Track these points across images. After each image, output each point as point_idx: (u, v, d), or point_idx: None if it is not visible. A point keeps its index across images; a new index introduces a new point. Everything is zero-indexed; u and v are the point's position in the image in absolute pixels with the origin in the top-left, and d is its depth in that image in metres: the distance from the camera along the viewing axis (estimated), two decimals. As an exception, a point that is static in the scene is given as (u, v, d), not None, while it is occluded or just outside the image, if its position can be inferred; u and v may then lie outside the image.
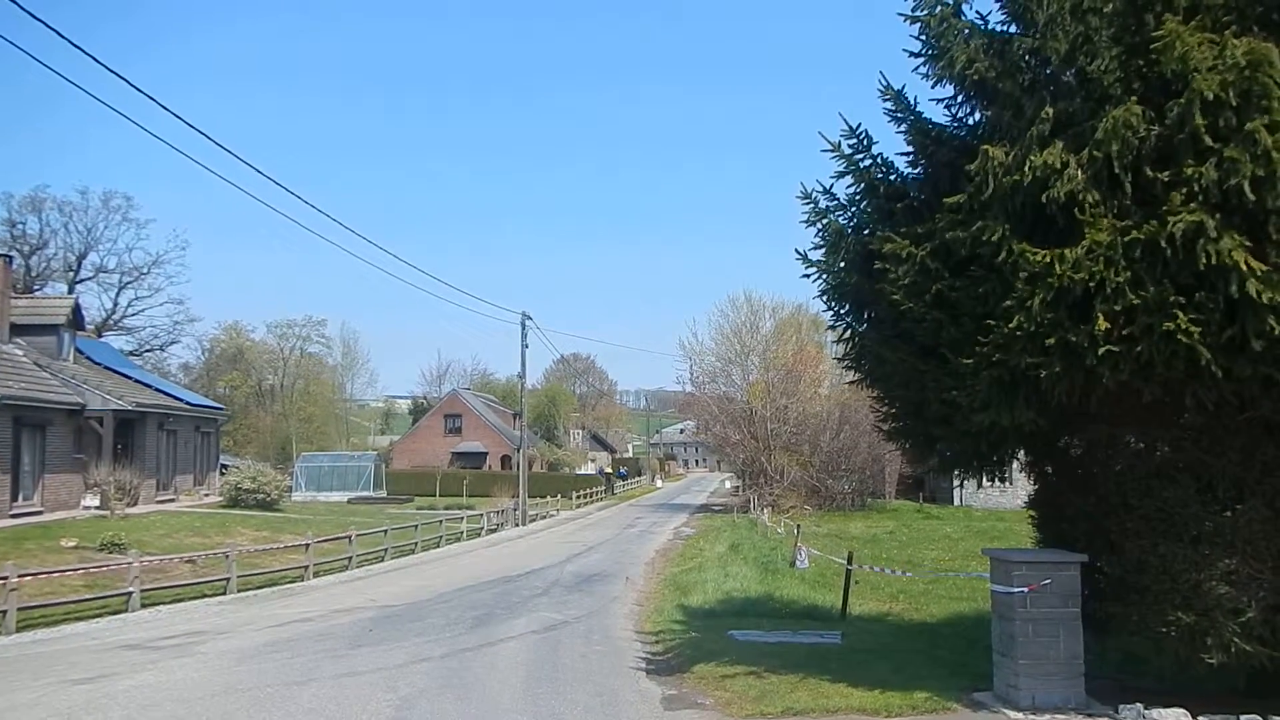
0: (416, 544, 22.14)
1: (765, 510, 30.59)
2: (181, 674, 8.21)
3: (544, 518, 34.21)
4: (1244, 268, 4.81)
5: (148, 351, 47.69)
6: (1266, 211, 4.87)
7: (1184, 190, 5.08)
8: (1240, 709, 5.61)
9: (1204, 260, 4.89)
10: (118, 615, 12.14)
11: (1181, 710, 5.62)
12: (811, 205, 7.22)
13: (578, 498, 42.12)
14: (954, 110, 6.88)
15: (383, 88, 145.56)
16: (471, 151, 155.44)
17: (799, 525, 21.70)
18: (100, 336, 39.91)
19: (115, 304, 46.51)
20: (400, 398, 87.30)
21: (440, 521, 25.55)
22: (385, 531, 21.11)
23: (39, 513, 19.84)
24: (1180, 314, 4.99)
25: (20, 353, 22.19)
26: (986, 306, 5.76)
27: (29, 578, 11.89)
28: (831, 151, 7.07)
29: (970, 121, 6.86)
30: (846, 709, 6.39)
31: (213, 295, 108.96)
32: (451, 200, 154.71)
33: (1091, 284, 5.24)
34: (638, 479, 67.97)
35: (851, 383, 9.42)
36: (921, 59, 6.52)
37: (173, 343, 50.05)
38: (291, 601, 13.81)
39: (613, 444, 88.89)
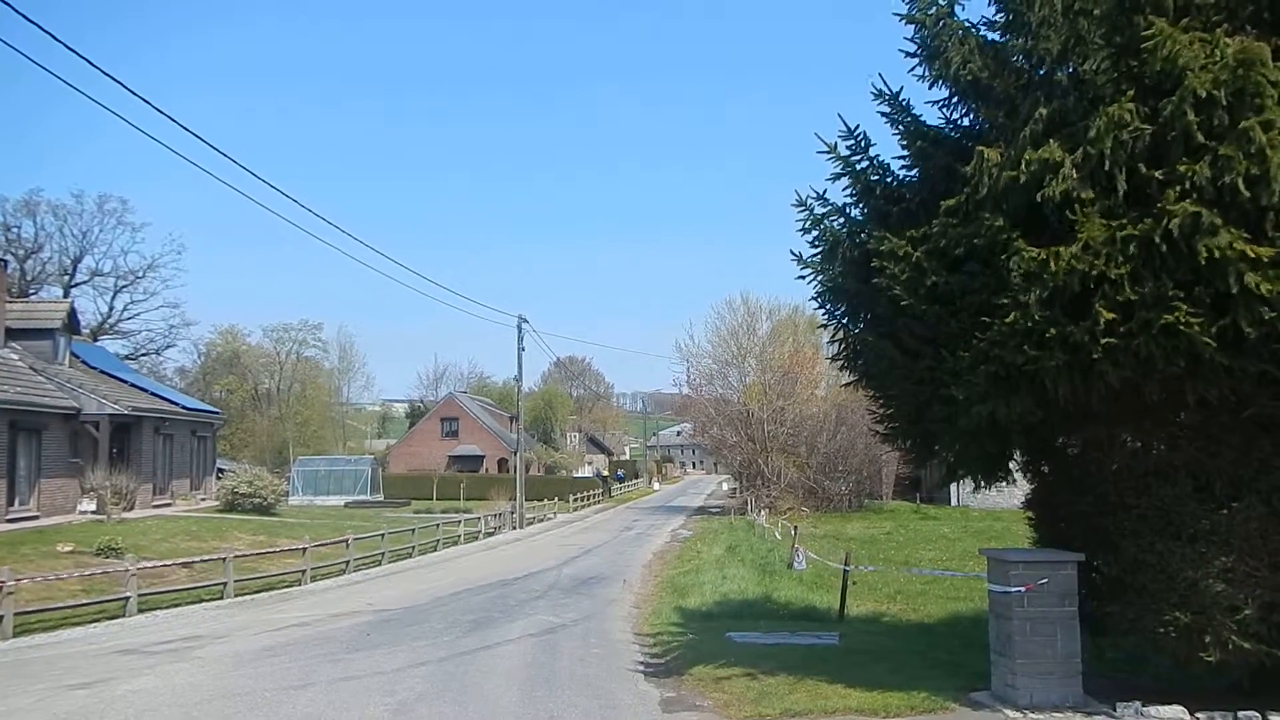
0: (414, 548, 22.09)
1: (762, 512, 30.59)
2: (179, 678, 8.18)
3: (541, 521, 34.16)
4: (1246, 259, 4.82)
5: (143, 355, 47.64)
6: (1261, 208, 4.89)
7: (1178, 187, 5.10)
8: (1238, 706, 5.63)
9: (1204, 255, 4.91)
10: (115, 620, 12.09)
11: (1179, 708, 5.64)
12: (807, 212, 7.23)
13: (575, 500, 42.07)
14: (948, 112, 6.91)
15: (381, 88, 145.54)
16: (470, 151, 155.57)
17: (796, 527, 21.71)
18: (96, 341, 39.83)
19: (111, 308, 46.46)
20: (397, 401, 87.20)
21: (437, 525, 25.49)
22: (382, 535, 21.06)
23: (35, 517, 19.75)
24: (1181, 306, 5.01)
25: (15, 357, 22.11)
26: (982, 300, 5.78)
27: (25, 582, 11.85)
28: (828, 153, 7.08)
29: (965, 123, 6.89)
30: (844, 710, 6.39)
31: (209, 299, 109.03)
32: (449, 201, 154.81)
33: (1090, 281, 5.26)
34: (635, 481, 67.93)
35: (848, 384, 9.43)
36: (917, 60, 6.55)
37: (168, 347, 50.06)
38: (289, 606, 13.77)
39: (610, 446, 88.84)
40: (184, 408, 29.06)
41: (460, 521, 27.18)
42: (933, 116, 7.00)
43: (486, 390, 75.60)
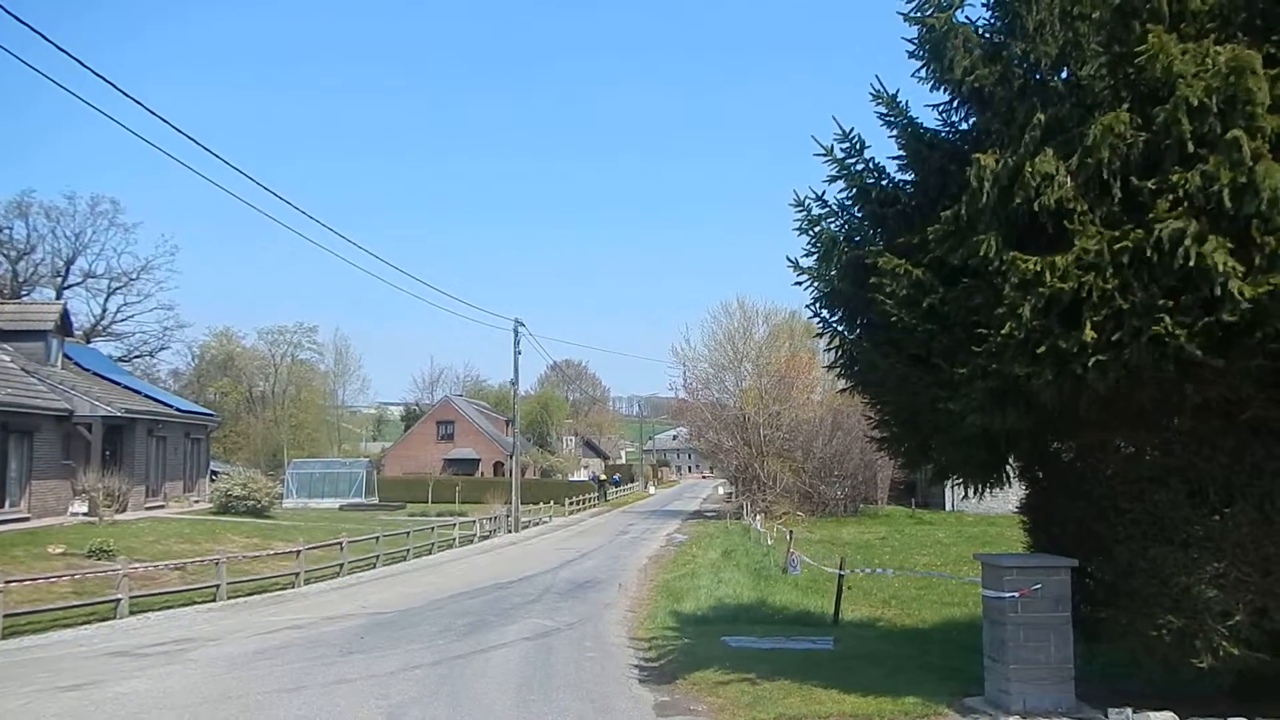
0: (409, 551, 22.02)
1: (758, 516, 30.58)
2: (171, 681, 8.13)
3: (537, 524, 34.09)
4: (1229, 267, 4.85)
5: (137, 357, 47.42)
6: (1248, 217, 4.93)
7: (1170, 197, 5.13)
8: (1229, 712, 5.64)
9: (1185, 260, 4.93)
10: (106, 622, 12.02)
11: (1170, 714, 5.64)
12: (804, 213, 7.24)
13: (571, 504, 42.01)
14: (947, 115, 6.91)
15: (376, 78, 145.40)
16: (470, 151, 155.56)
17: (791, 531, 21.70)
18: (89, 342, 39.66)
19: (104, 309, 46.25)
20: (393, 404, 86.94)
21: (432, 528, 25.42)
22: (377, 538, 20.98)
23: (26, 519, 19.63)
24: (1167, 318, 5.04)
25: (7, 359, 22.01)
26: (978, 315, 5.80)
27: (15, 584, 11.77)
28: (824, 156, 7.09)
29: (962, 127, 6.89)
30: (839, 715, 6.39)
31: (203, 302, 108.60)
32: (449, 200, 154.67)
33: (1081, 292, 5.29)
34: (631, 485, 67.85)
35: (843, 390, 9.45)
36: (920, 61, 6.54)
37: (162, 349, 49.78)
38: (282, 608, 13.71)
39: (606, 450, 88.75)
40: (177, 410, 28.95)
41: (455, 525, 27.10)
42: (930, 119, 7.01)
43: (482, 393, 75.50)
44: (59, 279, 44.49)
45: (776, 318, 39.63)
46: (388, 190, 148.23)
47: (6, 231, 42.50)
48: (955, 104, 6.75)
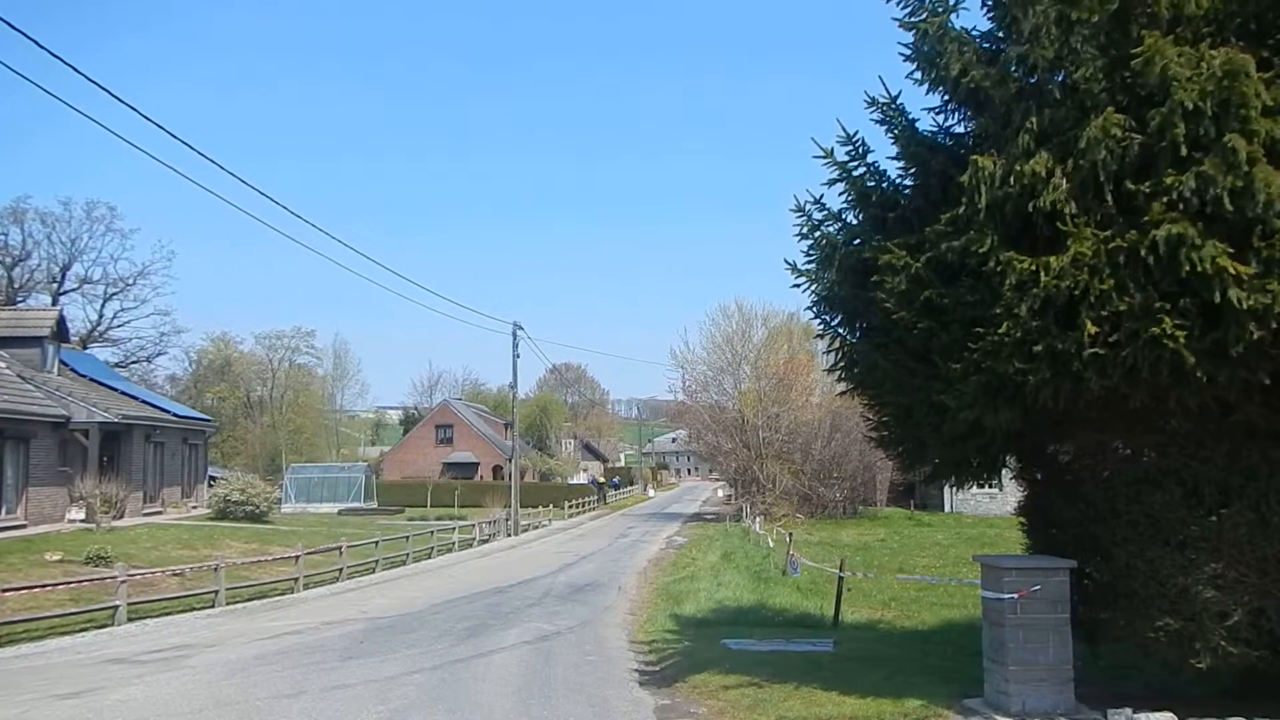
0: (408, 555, 21.99)
1: (757, 519, 30.58)
2: (169, 688, 8.11)
3: (536, 528, 34.06)
4: (1229, 274, 4.89)
5: (134, 363, 47.33)
6: (1247, 220, 4.95)
7: (1164, 200, 5.16)
8: (1228, 713, 5.65)
9: (1187, 267, 4.97)
10: (104, 629, 11.98)
11: (1169, 715, 5.64)
12: (805, 218, 7.25)
13: (570, 507, 41.97)
14: (943, 118, 6.94)
15: (373, 77, 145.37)
16: (467, 152, 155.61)
17: (791, 533, 21.71)
18: (85, 348, 39.54)
19: (100, 315, 46.17)
20: (391, 408, 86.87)
21: (431, 532, 25.39)
22: (376, 543, 20.96)
23: (22, 526, 19.58)
24: (1166, 319, 5.06)
25: (3, 365, 21.98)
26: (975, 313, 5.83)
27: (12, 592, 11.73)
28: (824, 159, 7.09)
29: (960, 130, 6.92)
30: (839, 717, 6.39)
31: (200, 307, 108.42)
32: (447, 200, 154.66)
33: (1076, 291, 5.31)
34: (630, 488, 67.82)
35: (843, 393, 9.47)
36: (915, 65, 6.58)
37: (159, 354, 49.73)
38: (281, 614, 13.67)
39: (605, 453, 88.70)
40: (175, 415, 28.90)
41: (455, 529, 27.07)
42: (927, 122, 7.03)
43: (481, 397, 75.45)
44: (55, 285, 44.44)
45: (775, 320, 39.74)
46: (387, 192, 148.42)
47: (2, 238, 42.47)
48: (952, 108, 6.78)
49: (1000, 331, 5.52)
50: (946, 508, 36.16)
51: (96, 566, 15.02)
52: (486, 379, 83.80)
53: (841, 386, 8.37)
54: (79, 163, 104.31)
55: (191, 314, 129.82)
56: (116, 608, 12.37)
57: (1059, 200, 5.46)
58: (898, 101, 6.98)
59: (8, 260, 42.69)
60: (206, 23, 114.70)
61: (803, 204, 7.28)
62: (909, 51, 6.57)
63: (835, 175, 7.13)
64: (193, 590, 14.52)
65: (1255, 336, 4.94)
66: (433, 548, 23.94)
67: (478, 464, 57.58)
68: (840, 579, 12.03)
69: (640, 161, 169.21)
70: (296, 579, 16.43)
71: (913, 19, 6.46)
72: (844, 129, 7.08)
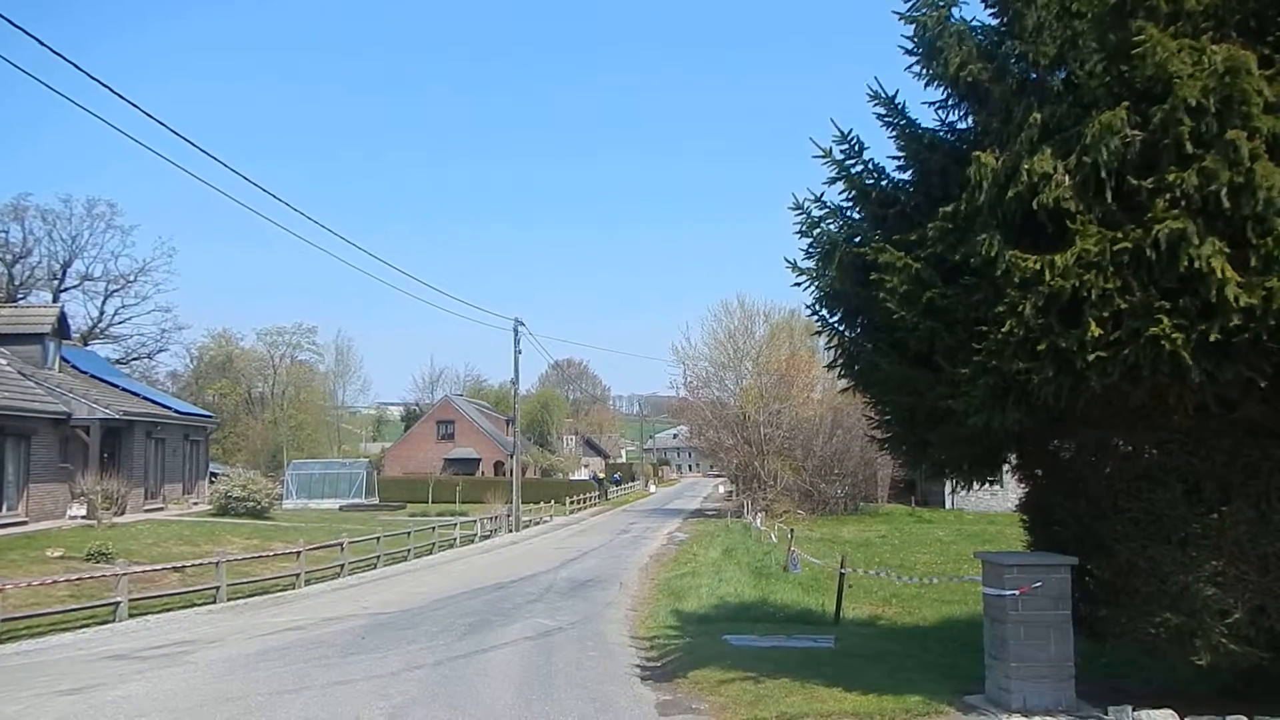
0: (409, 551, 22.03)
1: (758, 515, 30.61)
2: (170, 684, 8.13)
3: (538, 524, 34.10)
4: (1225, 273, 4.87)
5: (135, 360, 47.37)
6: (1245, 218, 4.93)
7: (1167, 196, 5.14)
8: (1228, 710, 5.65)
9: (1185, 264, 4.95)
10: (105, 625, 12.02)
11: (1170, 712, 5.65)
12: (804, 215, 7.23)
13: (571, 503, 42.03)
14: (945, 114, 6.91)
15: (375, 72, 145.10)
16: (468, 149, 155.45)
17: (792, 530, 21.73)
18: (86, 345, 39.62)
19: (101, 312, 46.20)
20: (392, 404, 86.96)
21: (433, 528, 25.44)
22: (378, 539, 20.99)
23: (23, 523, 19.62)
24: (1164, 319, 5.05)
25: (4, 362, 22.00)
26: (979, 313, 5.81)
27: (13, 588, 11.76)
28: (823, 157, 7.07)
29: (961, 127, 6.90)
30: (840, 713, 6.40)
31: (201, 303, 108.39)
32: (447, 199, 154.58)
33: (1081, 291, 5.29)
34: (631, 484, 67.89)
35: (844, 390, 9.46)
36: (915, 59, 6.55)
37: (160, 351, 49.74)
38: (283, 609, 13.70)
39: (606, 449, 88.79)
40: (176, 411, 28.93)
41: (456, 524, 27.11)
42: (928, 118, 7.01)
43: (483, 393, 75.49)
44: (56, 282, 44.46)
45: (776, 316, 39.71)
46: (388, 189, 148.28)
47: (2, 235, 42.46)
48: (952, 102, 6.75)
49: (1004, 331, 5.51)
50: (948, 504, 36.16)
51: (98, 563, 15.06)
52: (488, 375, 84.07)
53: (843, 383, 8.35)
54: (79, 160, 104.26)
55: (193, 310, 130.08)
56: (118, 604, 12.40)
57: (1062, 197, 5.44)
58: (897, 98, 6.97)
59: (8, 257, 42.74)
60: (206, 20, 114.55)
61: (802, 201, 7.26)
62: (909, 45, 6.55)
63: (834, 174, 7.11)
64: (194, 586, 14.55)
65: (1252, 334, 4.92)
66: (434, 544, 23.98)
67: (479, 460, 57.65)
68: (841, 575, 12.04)
69: (643, 157, 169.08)
70: (298, 575, 16.46)
71: (913, 13, 6.44)
72: (838, 128, 7.08)
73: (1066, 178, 5.46)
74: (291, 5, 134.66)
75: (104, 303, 46.06)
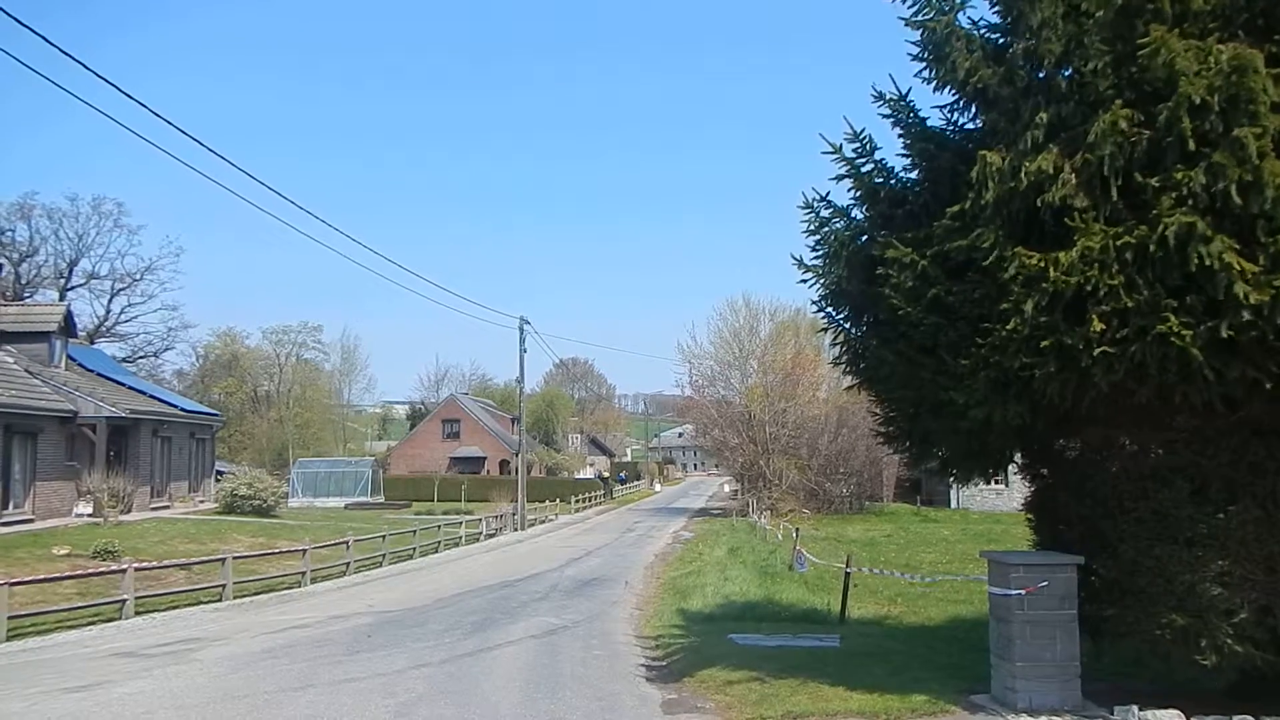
0: (415, 549, 22.09)
1: (764, 514, 30.59)
2: (177, 681, 8.17)
3: (543, 522, 34.15)
4: (1235, 269, 4.85)
5: (141, 358, 47.60)
6: (1253, 215, 4.91)
7: (1173, 194, 5.12)
8: (1233, 711, 5.63)
9: (1195, 261, 4.93)
10: (111, 623, 12.07)
11: (1176, 712, 5.64)
12: (813, 214, 7.23)
13: (576, 502, 42.07)
14: (953, 115, 6.90)
15: (373, 72, 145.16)
16: (474, 148, 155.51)
17: (797, 529, 21.71)
18: (93, 343, 39.83)
19: (108, 311, 46.41)
20: (398, 403, 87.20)
21: (438, 527, 25.49)
22: (383, 537, 21.05)
23: (30, 521, 19.73)
24: (1172, 317, 5.03)
25: (10, 360, 22.10)
26: (983, 309, 5.80)
27: (20, 586, 11.82)
28: (833, 153, 7.06)
29: (968, 126, 6.88)
30: (845, 712, 6.39)
31: (207, 301, 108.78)
32: (453, 196, 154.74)
33: (1086, 288, 5.27)
34: (636, 483, 67.96)
35: (849, 387, 9.45)
36: (923, 64, 6.54)
37: (167, 349, 49.95)
38: (288, 607, 13.76)
39: (611, 448, 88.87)
40: (182, 410, 29.05)
41: (461, 523, 27.17)
42: (936, 118, 6.99)
43: (488, 392, 75.60)
44: (62, 280, 44.68)
45: (782, 315, 39.69)
46: (392, 187, 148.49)
47: (9, 234, 42.68)
48: (960, 104, 6.74)
49: (1008, 328, 5.49)
50: (953, 504, 36.10)
51: (104, 560, 15.12)
52: (494, 374, 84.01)
53: (848, 382, 8.34)
54: (85, 159, 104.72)
55: (199, 309, 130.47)
56: (124, 601, 12.46)
57: (1068, 195, 5.42)
58: (907, 98, 6.94)
59: (15, 256, 42.89)
60: (206, 18, 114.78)
61: (810, 200, 7.27)
62: (916, 50, 6.54)
63: (843, 171, 7.10)
64: (200, 584, 14.61)
65: (1260, 332, 4.89)
66: (439, 542, 24.03)
67: (484, 459, 57.76)
68: (847, 574, 12.02)
69: (647, 157, 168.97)
70: (304, 573, 16.51)
71: (919, 18, 6.42)
72: (851, 126, 7.06)
73: (1073, 176, 5.44)
74: (291, 6, 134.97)
75: (110, 301, 46.34)
